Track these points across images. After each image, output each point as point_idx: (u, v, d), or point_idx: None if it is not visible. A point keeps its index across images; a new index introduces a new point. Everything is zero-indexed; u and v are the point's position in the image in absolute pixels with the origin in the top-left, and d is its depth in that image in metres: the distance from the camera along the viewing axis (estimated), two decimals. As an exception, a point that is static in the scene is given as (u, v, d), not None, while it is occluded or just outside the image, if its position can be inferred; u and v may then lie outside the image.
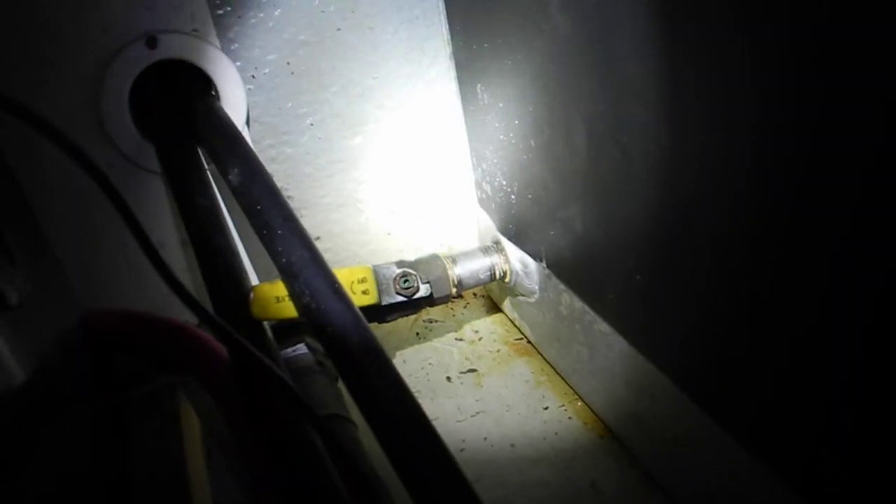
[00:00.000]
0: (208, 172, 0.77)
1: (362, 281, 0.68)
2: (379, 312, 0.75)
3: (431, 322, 1.01)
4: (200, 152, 0.78)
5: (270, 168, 0.95)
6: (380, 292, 0.72)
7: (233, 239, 0.70)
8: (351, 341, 0.54)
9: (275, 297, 0.62)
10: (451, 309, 1.03)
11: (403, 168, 1.00)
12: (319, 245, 1.02)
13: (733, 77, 0.43)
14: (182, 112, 0.80)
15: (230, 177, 0.69)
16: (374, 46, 0.92)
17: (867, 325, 0.39)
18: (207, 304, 0.70)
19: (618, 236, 0.61)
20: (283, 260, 0.61)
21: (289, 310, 0.62)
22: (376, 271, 0.73)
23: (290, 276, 0.60)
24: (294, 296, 0.60)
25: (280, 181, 0.97)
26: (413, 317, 1.01)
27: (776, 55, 0.39)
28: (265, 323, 0.64)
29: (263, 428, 0.53)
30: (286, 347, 0.74)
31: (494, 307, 1.03)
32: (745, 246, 0.46)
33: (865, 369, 0.41)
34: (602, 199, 0.61)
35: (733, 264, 0.48)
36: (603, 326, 0.69)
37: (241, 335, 0.63)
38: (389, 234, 1.03)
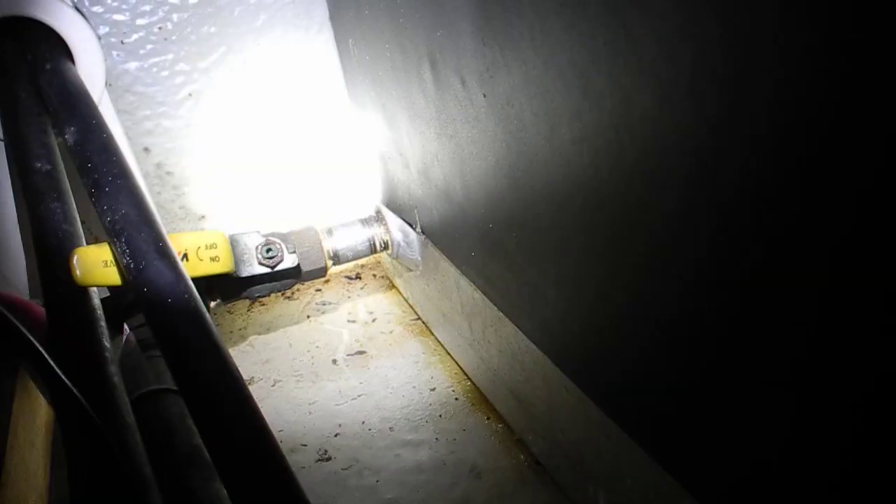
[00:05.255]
0: (54, 137, 0.71)
1: (211, 247, 0.62)
2: (242, 284, 0.69)
3: (325, 304, 0.96)
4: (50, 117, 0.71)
5: (148, 141, 0.90)
6: (237, 261, 0.66)
7: (72, 205, 0.64)
8: (167, 302, 0.49)
9: (102, 261, 0.56)
10: (347, 290, 0.98)
11: (290, 141, 0.95)
12: (205, 223, 0.96)
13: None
14: (28, 74, 0.74)
15: (66, 136, 0.64)
16: (257, 10, 0.87)
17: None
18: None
19: (472, 188, 0.57)
20: (108, 219, 0.55)
21: (117, 275, 0.56)
22: (235, 239, 0.68)
23: (113, 236, 0.54)
24: (117, 257, 0.55)
25: (158, 156, 0.91)
26: (306, 299, 0.96)
27: None
28: (94, 290, 0.58)
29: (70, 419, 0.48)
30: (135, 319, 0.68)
31: (392, 287, 0.98)
32: (609, 206, 0.41)
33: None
34: (454, 145, 0.57)
35: (592, 222, 0.42)
36: (475, 293, 0.65)
37: (64, 303, 0.58)
38: (277, 208, 0.97)
